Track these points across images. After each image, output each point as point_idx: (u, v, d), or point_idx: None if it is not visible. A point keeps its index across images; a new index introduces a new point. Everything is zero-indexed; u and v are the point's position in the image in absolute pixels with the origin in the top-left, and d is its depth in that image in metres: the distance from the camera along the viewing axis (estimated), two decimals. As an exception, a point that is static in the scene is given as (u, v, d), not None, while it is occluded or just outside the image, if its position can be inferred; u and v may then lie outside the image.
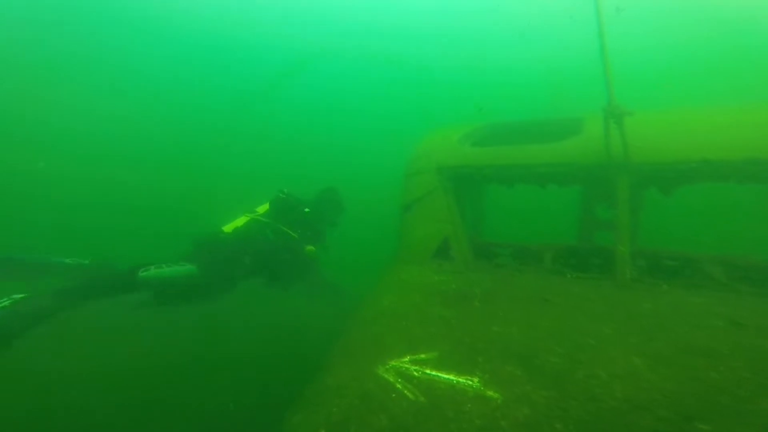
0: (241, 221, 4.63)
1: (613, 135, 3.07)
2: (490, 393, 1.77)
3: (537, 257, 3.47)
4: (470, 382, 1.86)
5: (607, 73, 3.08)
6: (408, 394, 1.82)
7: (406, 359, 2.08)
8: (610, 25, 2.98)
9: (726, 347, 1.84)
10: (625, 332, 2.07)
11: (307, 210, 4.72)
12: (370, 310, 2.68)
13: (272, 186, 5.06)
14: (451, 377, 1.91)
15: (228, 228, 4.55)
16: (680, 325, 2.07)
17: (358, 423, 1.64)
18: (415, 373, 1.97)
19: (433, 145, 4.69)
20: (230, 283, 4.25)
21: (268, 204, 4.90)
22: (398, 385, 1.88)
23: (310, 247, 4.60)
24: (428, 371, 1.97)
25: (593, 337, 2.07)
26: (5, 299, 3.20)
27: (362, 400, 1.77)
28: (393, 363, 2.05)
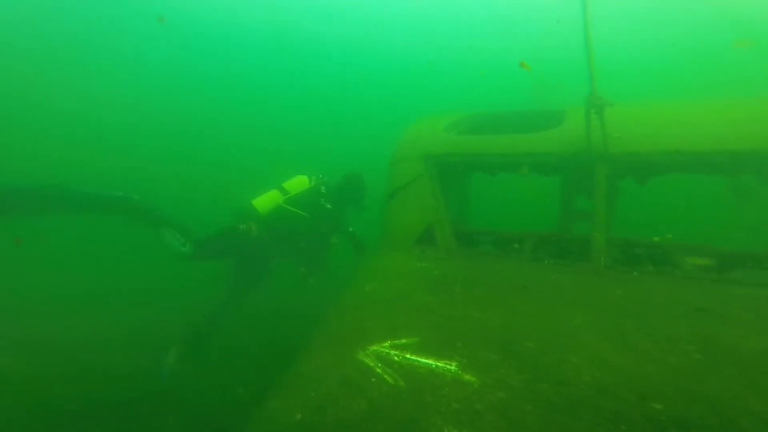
0: (271, 199, 4.67)
1: (594, 126, 3.08)
2: (467, 377, 1.78)
3: (517, 244, 3.49)
4: (449, 367, 1.86)
5: (591, 65, 3.07)
6: (388, 378, 1.81)
7: (387, 344, 2.06)
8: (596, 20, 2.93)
9: (685, 332, 1.90)
10: (597, 318, 2.10)
11: (329, 206, 4.81)
12: (353, 297, 2.64)
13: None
14: (431, 362, 1.90)
15: (258, 203, 4.58)
16: (646, 311, 2.12)
17: (337, 407, 1.62)
18: (396, 358, 1.95)
19: (420, 133, 4.62)
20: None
21: (294, 180, 4.95)
22: (378, 370, 1.87)
23: (334, 239, 4.87)
24: (408, 356, 1.96)
25: (567, 323, 2.10)
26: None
27: (341, 385, 1.75)
28: (373, 348, 2.03)
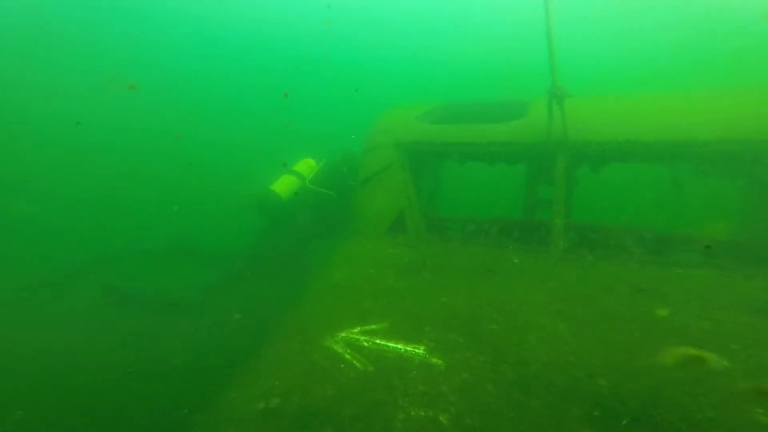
0: (289, 182, 4.74)
1: (555, 116, 3.13)
2: (434, 360, 1.77)
3: (484, 231, 3.52)
4: (417, 351, 1.85)
5: (553, 57, 3.09)
6: (356, 363, 1.77)
7: (357, 330, 2.02)
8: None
9: (627, 310, 2.00)
10: (554, 300, 2.16)
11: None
12: (322, 284, 2.57)
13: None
14: (399, 346, 1.88)
15: (276, 188, 4.67)
16: (597, 292, 2.21)
17: (303, 394, 1.57)
18: (365, 344, 1.92)
19: (392, 121, 4.54)
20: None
21: (302, 163, 5.01)
22: (347, 356, 1.83)
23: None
24: (378, 341, 1.93)
25: (527, 304, 2.14)
26: None
27: (308, 372, 1.70)
28: (343, 334, 1.98)
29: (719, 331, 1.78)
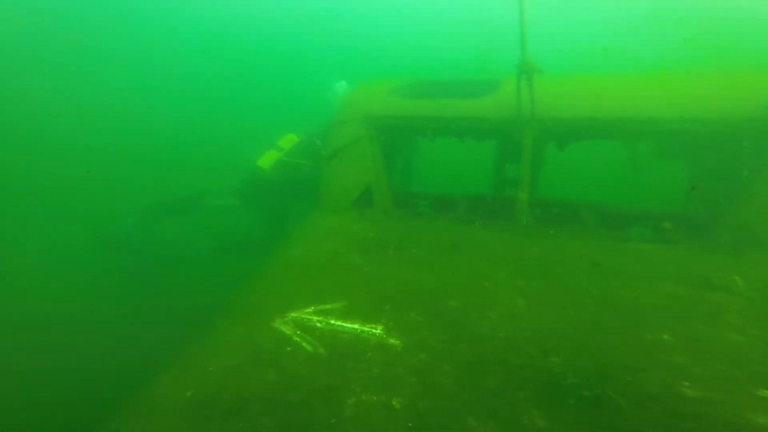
0: (272, 156, 4.90)
1: (524, 92, 2.99)
2: (392, 341, 1.64)
3: (452, 206, 3.39)
4: (374, 331, 1.70)
5: (523, 32, 2.90)
6: (306, 346, 1.60)
7: (310, 310, 1.83)
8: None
9: (583, 285, 1.95)
10: (515, 275, 2.08)
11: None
12: (279, 260, 2.35)
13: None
14: (356, 326, 1.73)
15: (262, 162, 4.80)
16: (556, 267, 2.15)
17: (240, 380, 1.39)
18: (318, 324, 1.74)
19: (363, 95, 4.23)
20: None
21: (285, 137, 5.15)
22: (296, 338, 1.65)
23: None
24: (333, 321, 1.76)
25: (490, 280, 2.04)
26: None
27: (249, 357, 1.52)
28: (294, 315, 1.79)
29: (661, 303, 1.76)
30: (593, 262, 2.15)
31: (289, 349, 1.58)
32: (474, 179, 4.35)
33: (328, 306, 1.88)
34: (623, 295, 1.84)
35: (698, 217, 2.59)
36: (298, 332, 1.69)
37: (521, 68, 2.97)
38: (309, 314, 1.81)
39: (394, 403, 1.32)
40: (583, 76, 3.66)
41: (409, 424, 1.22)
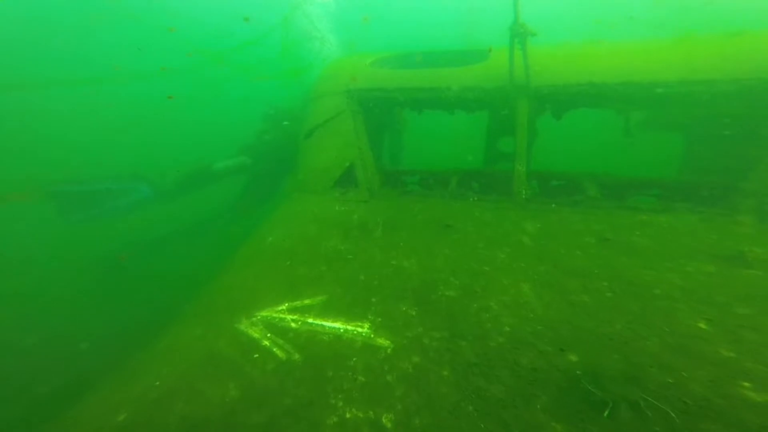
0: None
1: (517, 58, 2.67)
2: (380, 341, 1.37)
3: (443, 182, 3.10)
4: (360, 329, 1.44)
5: None
6: (278, 352, 1.33)
7: (284, 307, 1.55)
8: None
9: (596, 265, 1.72)
10: (518, 256, 1.82)
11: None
12: (251, 250, 2.04)
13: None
14: (338, 325, 1.46)
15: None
16: (562, 245, 1.90)
17: (190, 398, 1.11)
18: (293, 324, 1.46)
19: (343, 69, 3.80)
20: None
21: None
22: (265, 342, 1.37)
23: None
24: (311, 320, 1.49)
25: (489, 263, 1.78)
26: None
27: (205, 367, 1.23)
28: (264, 313, 1.51)
29: (690, 285, 1.52)
30: (602, 237, 1.91)
31: (256, 356, 1.31)
32: (466, 153, 4.04)
33: (306, 301, 1.60)
34: (643, 275, 1.60)
35: (711, 184, 2.37)
36: (269, 335, 1.41)
37: (514, 31, 2.65)
38: (282, 312, 1.53)
39: (384, 420, 1.07)
40: (576, 45, 3.32)
41: None
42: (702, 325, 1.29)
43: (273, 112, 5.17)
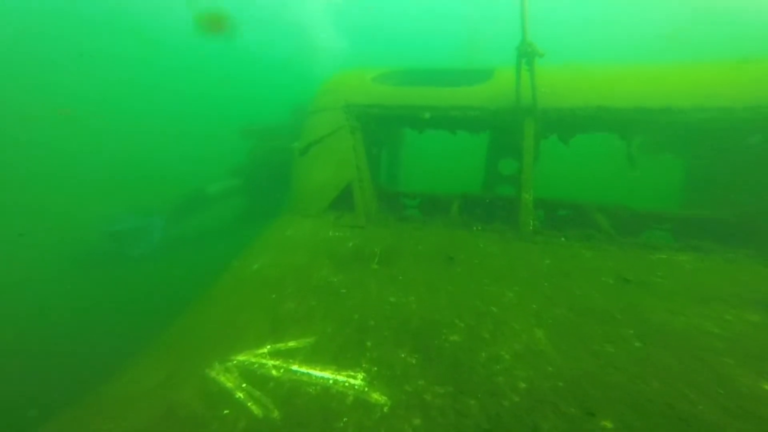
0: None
1: (524, 78, 2.63)
2: (375, 396, 1.19)
3: (444, 207, 2.98)
4: (352, 381, 1.25)
5: (524, 11, 2.54)
6: (253, 407, 1.13)
7: (264, 350, 1.36)
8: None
9: (617, 309, 1.57)
10: (528, 295, 1.67)
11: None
12: (232, 278, 1.85)
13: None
14: (328, 374, 1.27)
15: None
16: (577, 284, 1.76)
17: None
18: (274, 372, 1.27)
19: (343, 82, 3.75)
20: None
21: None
22: (239, 394, 1.17)
23: None
24: (295, 367, 1.30)
25: (496, 303, 1.62)
26: None
27: (164, 421, 1.03)
28: (241, 357, 1.31)
29: (733, 336, 1.38)
30: (620, 278, 1.78)
31: (226, 411, 1.11)
32: (469, 176, 3.95)
33: (291, 343, 1.41)
34: (673, 323, 1.46)
35: (732, 220, 2.28)
36: (245, 384, 1.21)
37: (521, 50, 2.61)
38: (263, 356, 1.34)
39: (378, 508, 0.88)
40: (585, 66, 3.33)
41: None
42: (766, 386, 1.13)
43: (254, 128, 5.18)
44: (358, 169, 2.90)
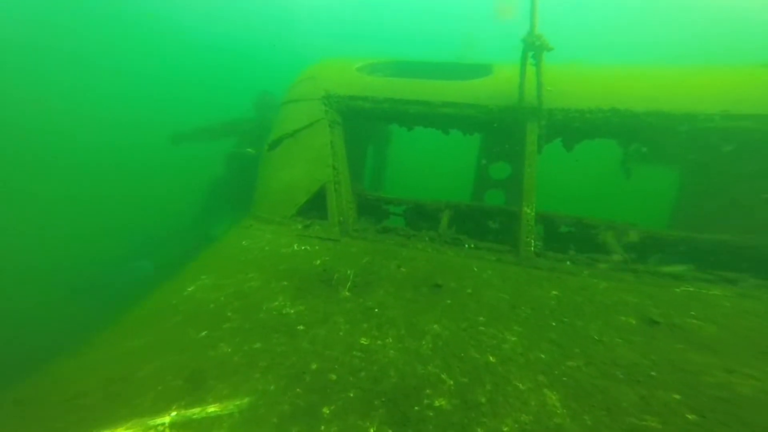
0: None
1: (529, 74, 2.33)
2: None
3: (432, 217, 2.65)
4: (293, 472, 0.89)
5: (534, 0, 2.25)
6: None
7: (167, 418, 0.97)
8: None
9: (650, 363, 1.26)
10: (534, 341, 1.35)
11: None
12: (155, 305, 1.45)
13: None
14: (260, 462, 0.90)
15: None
16: (593, 325, 1.45)
17: None
18: (183, 465, 0.89)
19: (325, 71, 3.36)
20: None
21: None
22: None
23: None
24: (215, 453, 0.92)
25: (495, 351, 1.30)
26: None
27: None
28: (140, 426, 0.93)
29: None
30: (645, 318, 1.48)
31: None
32: (461, 182, 3.64)
33: (210, 409, 1.03)
34: (734, 386, 1.15)
35: (749, 245, 2.03)
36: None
37: (528, 42, 2.31)
38: (159, 430, 0.95)
39: None
40: (594, 66, 3.07)
41: None
42: None
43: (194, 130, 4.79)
44: (335, 170, 2.53)
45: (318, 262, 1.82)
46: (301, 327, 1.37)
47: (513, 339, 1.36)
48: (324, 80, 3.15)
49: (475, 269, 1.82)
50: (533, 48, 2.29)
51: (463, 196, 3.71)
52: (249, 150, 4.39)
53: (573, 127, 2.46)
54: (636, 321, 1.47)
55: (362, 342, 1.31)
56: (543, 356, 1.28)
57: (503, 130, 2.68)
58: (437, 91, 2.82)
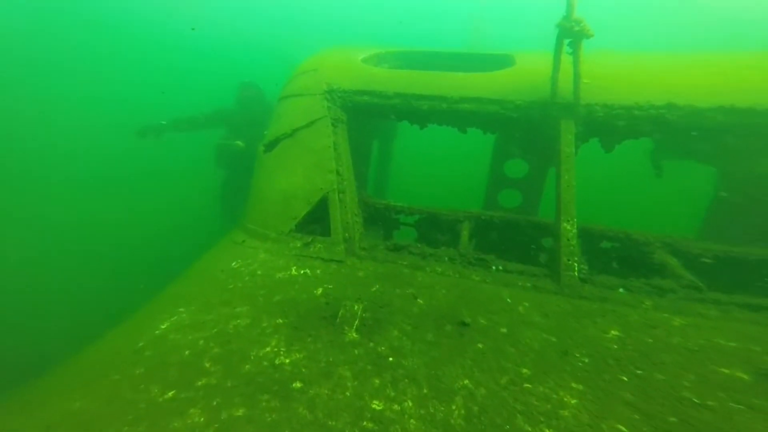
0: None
1: (563, 65, 2.03)
2: None
3: (448, 229, 2.37)
4: None
5: None
6: None
7: None
8: None
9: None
10: (605, 404, 1.07)
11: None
12: (112, 346, 1.19)
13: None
14: None
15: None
16: (684, 381, 1.13)
17: None
18: None
19: (325, 62, 3.09)
20: None
21: None
22: None
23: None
24: None
25: (552, 421, 1.02)
26: None
27: None
28: None
29: None
30: (755, 369, 1.18)
31: None
32: (482, 190, 3.34)
33: None
34: None
35: None
36: None
37: (564, 28, 2.00)
38: None
39: None
40: (636, 55, 2.75)
41: None
42: None
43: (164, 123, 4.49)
44: (340, 176, 2.26)
45: (320, 290, 1.56)
46: (297, 384, 1.10)
47: (573, 402, 1.07)
48: (325, 73, 2.88)
49: (508, 300, 1.54)
50: (571, 34, 1.98)
51: (475, 197, 3.41)
52: (238, 143, 4.21)
53: (616, 126, 2.16)
54: (743, 374, 1.17)
55: (374, 407, 1.04)
56: (623, 429, 0.99)
57: (531, 129, 2.39)
58: (453, 84, 2.53)
